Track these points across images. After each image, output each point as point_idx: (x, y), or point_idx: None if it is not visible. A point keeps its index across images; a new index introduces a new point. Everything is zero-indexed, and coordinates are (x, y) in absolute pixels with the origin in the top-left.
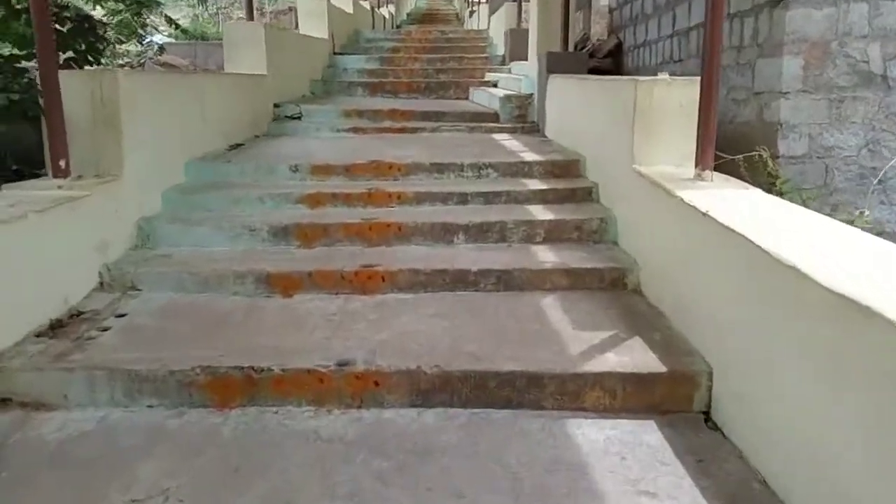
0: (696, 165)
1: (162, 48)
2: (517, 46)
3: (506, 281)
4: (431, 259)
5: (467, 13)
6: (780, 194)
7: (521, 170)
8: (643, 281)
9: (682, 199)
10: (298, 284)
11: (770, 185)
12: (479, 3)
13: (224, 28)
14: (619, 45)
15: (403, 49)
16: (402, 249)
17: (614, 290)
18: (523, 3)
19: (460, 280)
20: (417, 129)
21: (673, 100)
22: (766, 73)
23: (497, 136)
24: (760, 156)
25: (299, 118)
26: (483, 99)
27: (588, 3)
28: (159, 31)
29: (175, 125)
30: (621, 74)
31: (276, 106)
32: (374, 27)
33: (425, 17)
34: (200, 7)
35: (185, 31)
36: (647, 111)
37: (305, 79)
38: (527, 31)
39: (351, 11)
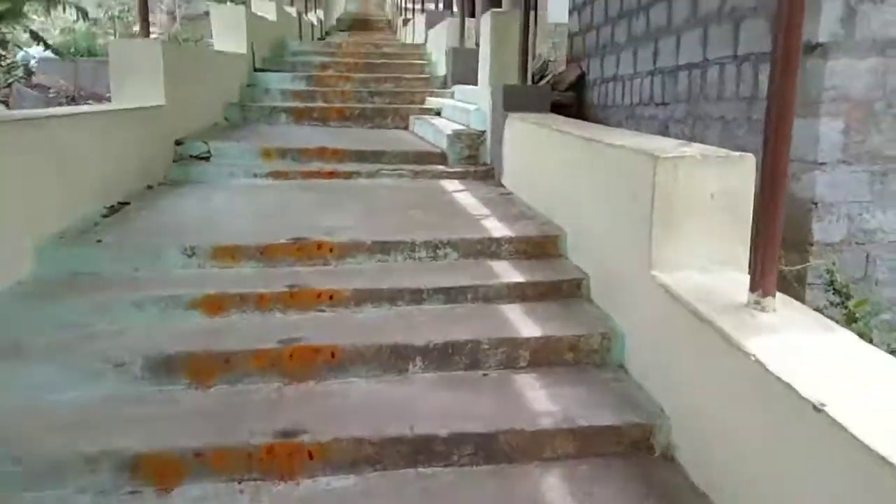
0: (754, 289)
1: (29, 70)
2: (461, 68)
3: (487, 451)
4: (380, 412)
5: (400, 21)
6: (853, 320)
7: (488, 248)
8: (676, 442)
9: (757, 361)
10: (181, 472)
11: (832, 304)
12: (413, 11)
13: (108, 48)
14: (582, 77)
15: (334, 66)
16: (337, 390)
17: (637, 455)
18: (467, 20)
19: (424, 450)
20: (352, 174)
21: (707, 184)
22: (797, 139)
23: (447, 185)
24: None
25: (207, 158)
26: (427, 132)
27: (533, 20)
28: (38, 43)
29: (16, 193)
30: (584, 110)
31: (178, 143)
32: (301, 36)
33: (355, 24)
34: (81, 20)
35: (57, 52)
36: (671, 198)
37: (218, 103)
38: (472, 50)
39: (274, 19)
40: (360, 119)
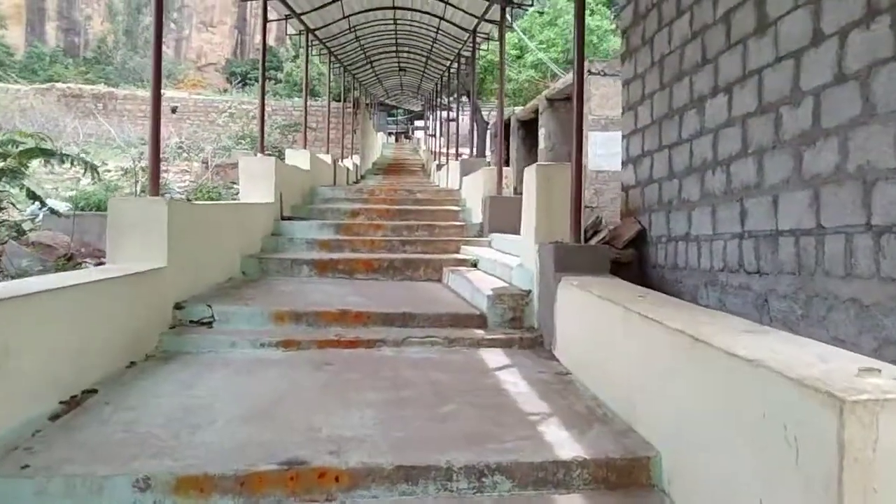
0: None
1: (21, 228)
2: (498, 217)
3: None
4: None
5: (434, 165)
6: None
7: (552, 475)
8: None
9: None
10: None
11: None
12: (447, 156)
13: (108, 206)
14: (642, 233)
15: (364, 213)
16: None
17: None
18: (504, 170)
19: None
20: (376, 343)
21: None
22: None
23: (489, 358)
24: None
25: (210, 324)
26: (463, 288)
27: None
28: (34, 202)
29: None
30: (646, 269)
31: (178, 307)
32: (335, 182)
33: (391, 168)
34: (88, 175)
35: (53, 211)
36: (868, 467)
37: (236, 256)
38: (510, 199)
39: (307, 168)
40: (390, 271)
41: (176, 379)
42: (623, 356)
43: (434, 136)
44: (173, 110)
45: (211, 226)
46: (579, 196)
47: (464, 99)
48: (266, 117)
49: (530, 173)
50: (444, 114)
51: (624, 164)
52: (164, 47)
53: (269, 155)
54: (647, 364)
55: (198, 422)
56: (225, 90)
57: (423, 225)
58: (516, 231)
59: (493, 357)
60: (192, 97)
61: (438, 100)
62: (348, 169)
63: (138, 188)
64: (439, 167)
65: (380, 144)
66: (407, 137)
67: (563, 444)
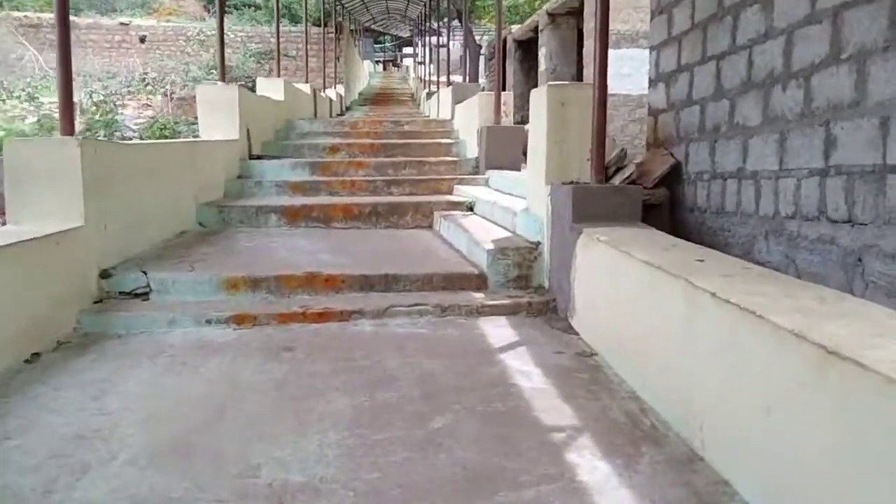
0: None
1: None
2: (497, 151)
3: None
4: None
5: (423, 94)
6: None
7: None
8: None
9: None
10: None
11: None
12: (438, 84)
13: (3, 150)
14: (677, 168)
15: (345, 148)
16: None
17: None
18: (502, 95)
19: None
20: (351, 315)
21: None
22: None
23: (491, 333)
24: None
25: (146, 296)
26: (458, 238)
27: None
28: None
29: None
30: (681, 214)
31: (105, 276)
32: (316, 114)
33: (378, 98)
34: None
35: None
36: None
37: (189, 205)
38: (510, 129)
39: (281, 98)
40: (372, 217)
41: (85, 380)
42: (683, 350)
43: (423, 63)
44: (142, 40)
45: (153, 170)
46: (602, 125)
47: (455, 23)
48: (240, 44)
49: (539, 97)
50: (434, 39)
51: (652, 82)
52: None
53: (240, 85)
54: (726, 372)
55: (89, 460)
56: (202, 19)
57: (412, 161)
58: (518, 167)
59: (497, 331)
60: (162, 25)
61: (427, 24)
62: (331, 100)
63: (82, 126)
64: (429, 95)
65: (366, 73)
66: (395, 66)
67: (606, 489)
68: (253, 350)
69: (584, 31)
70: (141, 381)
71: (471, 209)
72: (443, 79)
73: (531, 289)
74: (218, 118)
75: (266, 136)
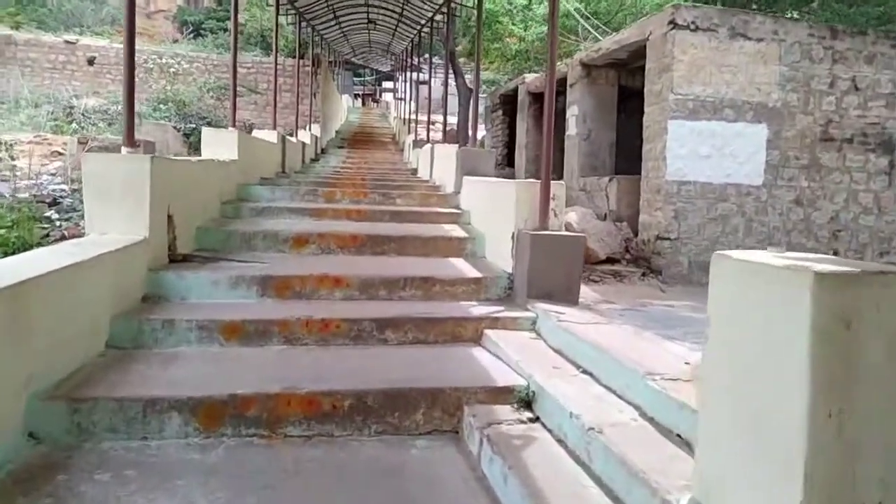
0: None
1: None
2: (544, 269)
3: None
4: None
5: (409, 140)
6: None
7: None
8: None
9: None
10: None
11: None
12: (420, 124)
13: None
14: None
15: (317, 240)
16: None
17: None
18: (552, 184)
19: None
20: None
21: None
22: None
23: None
24: None
25: None
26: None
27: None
28: None
29: None
30: None
31: None
32: (284, 167)
33: (357, 139)
34: None
35: None
36: None
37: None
38: (569, 240)
39: (234, 156)
40: (356, 419)
41: None
42: None
43: (403, 99)
44: (90, 62)
45: None
46: None
47: (439, 60)
48: (204, 72)
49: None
50: (415, 76)
51: None
52: None
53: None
54: None
55: None
56: (175, 41)
57: (414, 279)
58: (575, 297)
59: None
60: (115, 46)
61: (410, 60)
62: (304, 144)
63: None
64: (416, 144)
65: (345, 108)
66: (374, 101)
67: None
68: None
69: (646, 92)
70: None
71: (528, 405)
72: (423, 117)
73: None
74: (109, 207)
75: (207, 213)
